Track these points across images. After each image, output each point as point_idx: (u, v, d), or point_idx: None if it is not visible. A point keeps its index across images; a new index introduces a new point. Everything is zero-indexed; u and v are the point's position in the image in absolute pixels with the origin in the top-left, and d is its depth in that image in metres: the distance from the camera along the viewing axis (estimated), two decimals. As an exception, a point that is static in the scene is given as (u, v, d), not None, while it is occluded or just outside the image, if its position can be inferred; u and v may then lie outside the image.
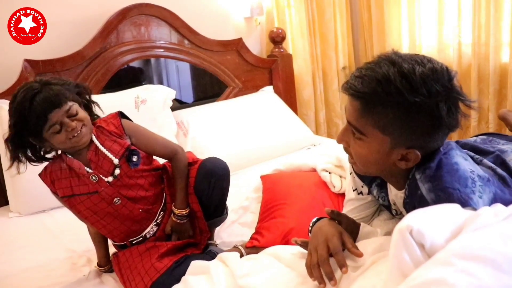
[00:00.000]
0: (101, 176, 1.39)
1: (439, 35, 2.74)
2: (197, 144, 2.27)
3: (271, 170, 1.91)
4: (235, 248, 1.52)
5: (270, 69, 2.89)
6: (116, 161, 1.40)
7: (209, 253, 1.48)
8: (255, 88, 2.83)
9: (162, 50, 2.53)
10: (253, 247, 1.48)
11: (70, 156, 1.40)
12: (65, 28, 2.33)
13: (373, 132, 0.98)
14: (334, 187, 1.63)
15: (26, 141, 1.33)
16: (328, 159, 1.75)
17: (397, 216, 1.25)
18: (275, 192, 1.59)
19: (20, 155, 1.35)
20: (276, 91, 2.86)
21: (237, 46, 2.74)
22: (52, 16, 2.27)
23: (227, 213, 1.63)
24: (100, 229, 1.46)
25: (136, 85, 2.41)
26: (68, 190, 1.39)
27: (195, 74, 2.72)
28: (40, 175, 1.44)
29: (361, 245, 1.08)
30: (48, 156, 1.43)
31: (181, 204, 1.48)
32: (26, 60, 2.14)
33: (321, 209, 1.54)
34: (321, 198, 1.60)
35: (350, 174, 1.28)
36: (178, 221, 1.48)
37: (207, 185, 1.50)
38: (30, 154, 1.38)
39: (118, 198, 1.41)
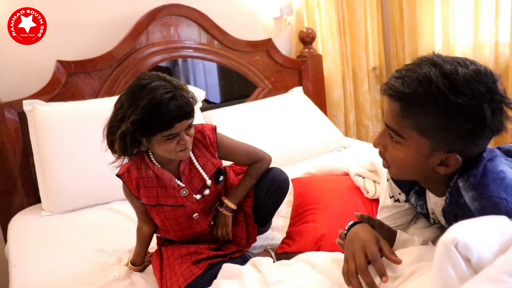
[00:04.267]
0: (191, 191, 1.40)
1: (474, 34, 2.65)
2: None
3: (303, 173, 1.89)
4: (265, 251, 1.50)
5: (299, 70, 2.85)
6: (209, 182, 1.42)
7: (241, 256, 1.46)
8: (285, 89, 2.80)
9: (191, 50, 2.53)
10: (283, 253, 1.46)
11: (158, 165, 1.37)
12: (96, 29, 2.35)
13: (412, 135, 0.95)
14: (368, 192, 1.59)
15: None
16: (361, 163, 1.71)
17: (435, 224, 1.21)
18: (307, 196, 1.56)
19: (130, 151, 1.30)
20: (306, 92, 2.82)
21: (266, 46, 2.72)
22: (83, 17, 2.31)
23: (269, 226, 1.62)
24: (163, 228, 1.46)
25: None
26: (154, 199, 1.38)
27: (222, 75, 2.71)
28: (121, 177, 1.39)
29: (398, 254, 1.04)
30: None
31: (235, 199, 1.48)
32: (59, 61, 2.17)
33: (354, 215, 1.51)
34: (354, 204, 1.56)
35: (388, 180, 1.24)
36: (223, 211, 1.47)
37: (266, 191, 1.50)
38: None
39: (197, 214, 1.43)
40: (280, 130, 2.42)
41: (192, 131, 1.32)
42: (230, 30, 2.61)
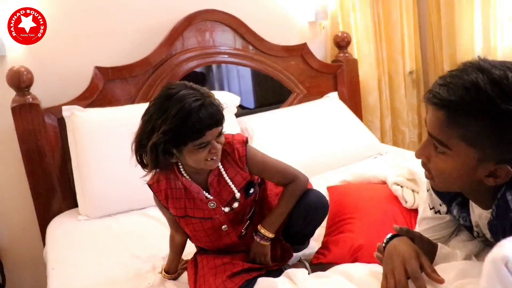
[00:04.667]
0: (219, 204, 1.37)
1: (517, 36, 2.56)
2: (262, 151, 2.24)
3: (339, 181, 1.85)
4: (300, 262, 1.48)
5: (335, 75, 2.82)
6: (237, 194, 1.38)
7: (277, 270, 1.43)
8: (320, 94, 2.77)
9: (226, 56, 2.53)
10: (319, 263, 1.43)
11: (186, 176, 1.35)
12: (133, 36, 2.38)
13: (458, 145, 0.90)
14: (406, 202, 1.54)
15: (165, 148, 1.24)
16: (399, 171, 1.66)
17: (479, 238, 1.15)
18: (343, 205, 1.53)
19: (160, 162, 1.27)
20: (341, 97, 2.78)
21: (301, 51, 2.69)
22: (120, 24, 2.35)
23: (308, 244, 1.59)
24: (193, 238, 1.45)
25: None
26: (182, 211, 1.37)
27: (256, 80, 2.70)
28: (151, 186, 1.38)
29: (440, 269, 1.00)
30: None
31: (271, 227, 1.41)
32: (97, 67, 2.21)
33: (392, 226, 1.47)
34: (393, 214, 1.52)
35: (428, 191, 1.20)
36: (260, 241, 1.41)
37: (303, 218, 1.44)
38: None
39: (226, 226, 1.40)
40: (315, 136, 2.39)
41: (222, 138, 1.29)
42: (264, 35, 2.60)
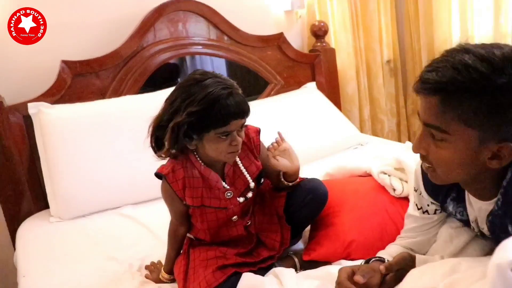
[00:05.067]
0: (234, 194, 1.35)
1: (495, 23, 2.53)
2: (239, 144, 2.19)
3: (321, 174, 1.80)
4: (289, 257, 1.43)
5: (312, 64, 2.75)
6: (252, 184, 1.37)
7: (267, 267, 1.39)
8: (298, 84, 2.71)
9: (200, 47, 2.44)
10: (311, 260, 1.37)
11: (204, 165, 1.32)
12: (101, 28, 2.27)
13: (457, 128, 0.87)
14: (395, 190, 1.49)
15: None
16: (386, 161, 1.61)
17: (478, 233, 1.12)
18: (329, 199, 1.47)
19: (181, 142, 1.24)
20: (319, 87, 2.73)
21: (278, 41, 2.62)
22: (87, 16, 2.23)
23: (299, 239, 1.54)
24: (201, 229, 1.40)
25: (171, 84, 2.33)
26: (198, 200, 1.33)
27: (232, 71, 2.62)
28: (166, 177, 1.32)
29: (428, 269, 0.98)
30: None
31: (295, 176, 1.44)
32: (64, 61, 2.10)
33: (384, 216, 1.43)
34: (383, 204, 1.47)
35: (416, 191, 1.16)
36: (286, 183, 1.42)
37: (301, 199, 1.42)
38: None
39: (236, 217, 1.38)
40: (294, 128, 2.32)
41: (243, 133, 1.28)
42: (239, 25, 2.51)
